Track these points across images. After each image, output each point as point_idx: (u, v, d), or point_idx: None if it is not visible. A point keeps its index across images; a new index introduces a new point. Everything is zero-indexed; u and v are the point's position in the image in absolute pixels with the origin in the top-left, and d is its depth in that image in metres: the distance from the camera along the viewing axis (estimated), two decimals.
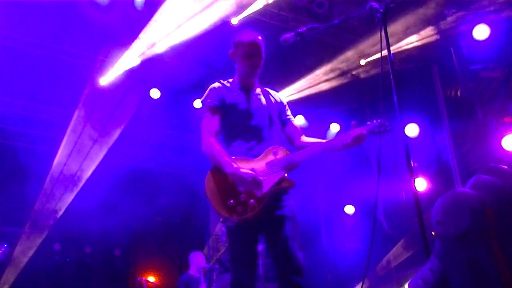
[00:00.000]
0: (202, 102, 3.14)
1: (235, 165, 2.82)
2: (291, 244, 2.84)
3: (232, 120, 3.08)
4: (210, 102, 3.09)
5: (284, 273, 2.81)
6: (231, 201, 2.79)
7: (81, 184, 8.61)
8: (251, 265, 2.86)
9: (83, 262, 9.27)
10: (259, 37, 3.16)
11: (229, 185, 2.83)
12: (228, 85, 3.21)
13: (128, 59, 7.54)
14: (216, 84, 3.21)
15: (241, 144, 3.02)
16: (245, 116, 3.08)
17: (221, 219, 2.84)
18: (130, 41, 7.33)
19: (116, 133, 8.72)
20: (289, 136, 3.25)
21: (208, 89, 3.19)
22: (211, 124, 3.03)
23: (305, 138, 3.22)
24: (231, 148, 3.03)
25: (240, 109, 3.10)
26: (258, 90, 3.27)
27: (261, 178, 2.83)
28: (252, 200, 2.78)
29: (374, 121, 2.99)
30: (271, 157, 2.94)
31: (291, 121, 3.29)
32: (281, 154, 2.96)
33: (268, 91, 3.32)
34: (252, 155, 2.98)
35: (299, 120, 9.40)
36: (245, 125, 3.06)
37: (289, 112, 3.34)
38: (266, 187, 2.82)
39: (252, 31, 3.20)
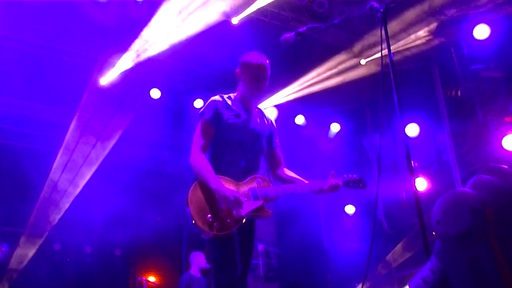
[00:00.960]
0: (200, 113, 3.20)
1: (218, 182, 2.93)
2: (249, 261, 3.14)
3: (225, 137, 3.15)
4: (207, 116, 3.14)
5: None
6: (209, 215, 2.88)
7: (82, 184, 8.61)
8: (234, 272, 2.93)
9: (83, 262, 9.27)
10: (267, 61, 3.24)
11: (212, 201, 2.93)
12: (229, 102, 3.25)
13: (128, 59, 7.54)
14: (217, 98, 3.24)
15: (230, 162, 3.11)
16: (239, 136, 3.16)
17: (197, 230, 2.90)
18: (130, 41, 7.33)
19: (117, 134, 8.73)
20: (272, 163, 3.39)
21: (208, 101, 3.23)
22: (203, 138, 3.12)
23: (285, 171, 3.39)
24: (220, 165, 3.10)
25: (235, 129, 3.17)
26: (256, 112, 3.35)
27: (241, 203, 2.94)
28: (229, 220, 2.89)
29: (350, 175, 3.27)
30: (254, 185, 3.07)
31: (277, 149, 3.42)
32: (264, 184, 3.10)
33: (263, 113, 3.41)
34: (238, 174, 3.09)
35: (300, 120, 9.42)
36: (237, 144, 3.15)
37: (277, 139, 3.45)
38: (245, 211, 2.93)
39: (260, 54, 3.27)
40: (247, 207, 2.95)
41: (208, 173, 2.97)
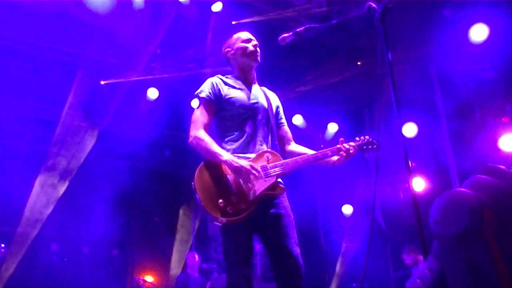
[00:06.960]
0: (196, 94, 3.05)
1: (229, 154, 2.74)
2: (287, 242, 2.76)
3: (228, 113, 2.97)
4: (205, 95, 2.98)
5: (282, 274, 2.74)
6: (221, 201, 2.66)
7: (71, 177, 8.61)
8: (246, 264, 2.73)
9: (81, 262, 9.24)
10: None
11: (222, 183, 2.71)
12: (227, 79, 3.12)
13: (126, 58, 7.54)
14: (213, 78, 3.09)
15: (236, 138, 2.92)
16: (243, 110, 2.98)
17: (209, 217, 2.69)
18: (130, 41, 7.33)
19: (114, 131, 8.74)
20: (281, 140, 3.19)
21: (205, 82, 3.09)
22: (202, 116, 2.93)
23: (294, 146, 3.19)
24: (225, 143, 2.92)
25: (238, 103, 2.99)
26: (257, 86, 3.20)
27: (253, 181, 2.74)
28: (243, 204, 2.69)
29: (362, 137, 3.07)
30: (263, 161, 2.85)
31: (283, 125, 3.25)
32: (274, 159, 2.89)
33: (265, 90, 3.25)
34: (246, 150, 2.89)
35: (297, 120, 9.41)
36: (242, 120, 2.96)
37: (283, 116, 3.29)
38: (258, 191, 2.74)
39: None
40: (260, 187, 2.74)
41: (214, 147, 2.74)
